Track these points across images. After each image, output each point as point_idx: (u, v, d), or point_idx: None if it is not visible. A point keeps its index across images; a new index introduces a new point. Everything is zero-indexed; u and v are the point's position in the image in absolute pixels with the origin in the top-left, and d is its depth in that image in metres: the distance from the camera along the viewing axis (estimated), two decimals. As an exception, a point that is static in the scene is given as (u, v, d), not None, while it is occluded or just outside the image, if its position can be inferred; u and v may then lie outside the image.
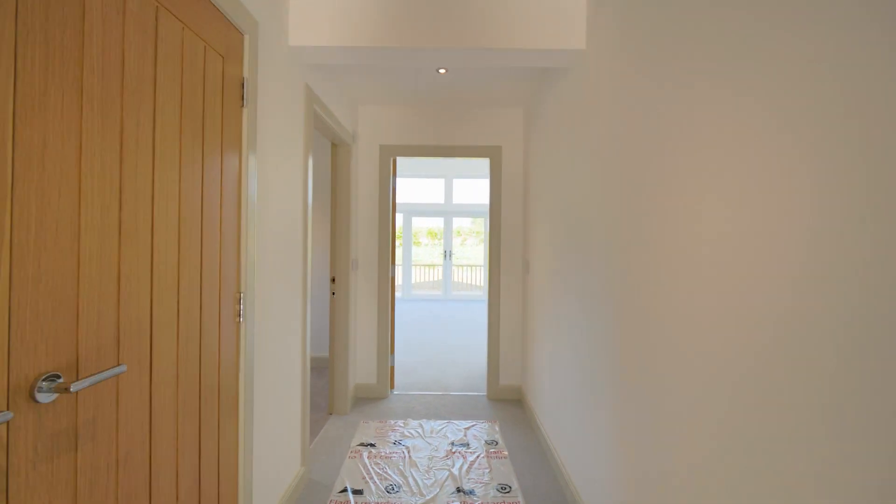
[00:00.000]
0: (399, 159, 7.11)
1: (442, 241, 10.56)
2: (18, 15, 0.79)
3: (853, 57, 0.74)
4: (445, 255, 10.34)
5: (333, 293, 3.29)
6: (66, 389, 0.85)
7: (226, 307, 1.51)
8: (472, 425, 3.11)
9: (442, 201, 10.00)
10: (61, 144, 0.87)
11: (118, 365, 1.01)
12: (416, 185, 10.13)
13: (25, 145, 0.80)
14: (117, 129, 1.01)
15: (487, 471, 2.50)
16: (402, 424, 3.11)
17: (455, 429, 3.06)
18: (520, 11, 2.10)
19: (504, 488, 2.34)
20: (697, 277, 1.16)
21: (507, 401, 3.61)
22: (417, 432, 2.98)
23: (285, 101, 2.03)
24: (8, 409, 0.78)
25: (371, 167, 3.68)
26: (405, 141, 3.66)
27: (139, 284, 1.09)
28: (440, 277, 10.65)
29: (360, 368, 3.68)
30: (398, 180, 9.67)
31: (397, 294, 10.40)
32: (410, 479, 2.40)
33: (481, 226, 12.52)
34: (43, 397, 0.83)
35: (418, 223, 12.21)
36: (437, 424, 3.11)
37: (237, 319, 1.59)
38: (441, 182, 9.95)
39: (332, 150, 3.30)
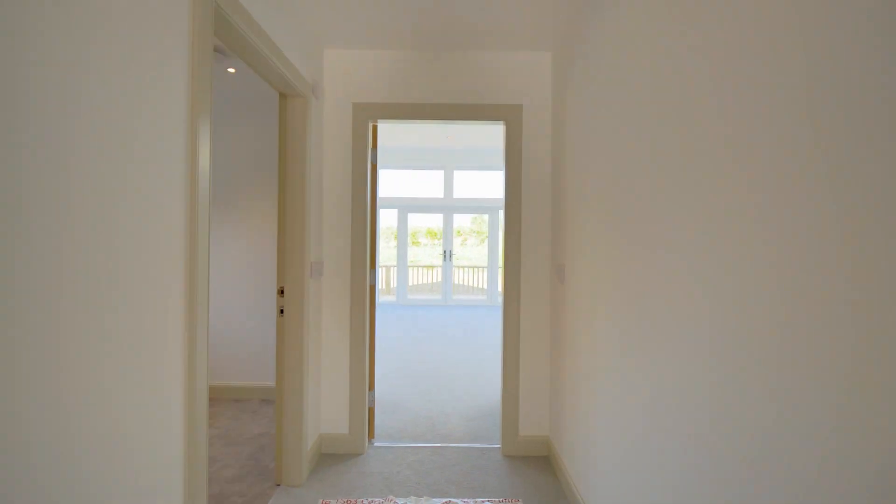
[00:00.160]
0: (384, 130, 5.90)
1: (441, 240, 9.49)
2: None
3: None
4: (445, 256, 9.26)
5: (282, 310, 2.28)
6: None
7: None
8: (484, 508, 2.10)
9: (441, 195, 8.97)
10: None
11: None
12: (412, 178, 9.10)
13: None
14: None
15: None
16: (379, 507, 2.10)
17: (458, 516, 2.05)
18: None
19: None
20: None
21: (530, 458, 2.60)
22: (401, 524, 1.98)
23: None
24: None
25: (341, 135, 2.66)
26: (389, 98, 2.65)
27: None
28: (439, 279, 9.59)
29: (325, 412, 2.67)
30: (392, 172, 8.64)
31: (391, 300, 9.35)
32: None
33: (483, 225, 11.45)
34: None
35: (415, 221, 11.15)
36: (431, 507, 2.10)
37: None
38: (440, 174, 8.92)
39: (279, 102, 2.28)
